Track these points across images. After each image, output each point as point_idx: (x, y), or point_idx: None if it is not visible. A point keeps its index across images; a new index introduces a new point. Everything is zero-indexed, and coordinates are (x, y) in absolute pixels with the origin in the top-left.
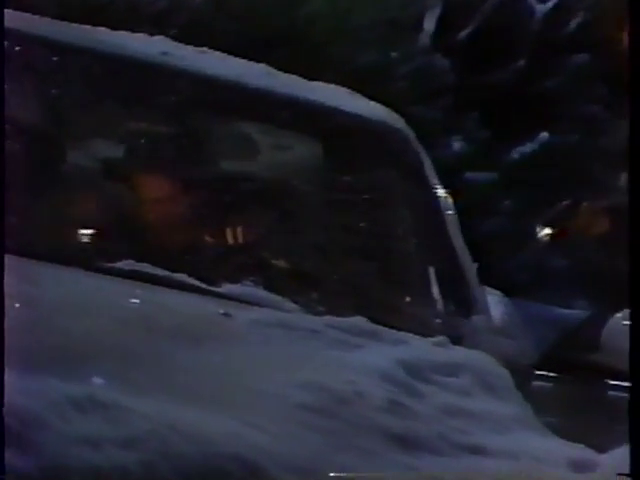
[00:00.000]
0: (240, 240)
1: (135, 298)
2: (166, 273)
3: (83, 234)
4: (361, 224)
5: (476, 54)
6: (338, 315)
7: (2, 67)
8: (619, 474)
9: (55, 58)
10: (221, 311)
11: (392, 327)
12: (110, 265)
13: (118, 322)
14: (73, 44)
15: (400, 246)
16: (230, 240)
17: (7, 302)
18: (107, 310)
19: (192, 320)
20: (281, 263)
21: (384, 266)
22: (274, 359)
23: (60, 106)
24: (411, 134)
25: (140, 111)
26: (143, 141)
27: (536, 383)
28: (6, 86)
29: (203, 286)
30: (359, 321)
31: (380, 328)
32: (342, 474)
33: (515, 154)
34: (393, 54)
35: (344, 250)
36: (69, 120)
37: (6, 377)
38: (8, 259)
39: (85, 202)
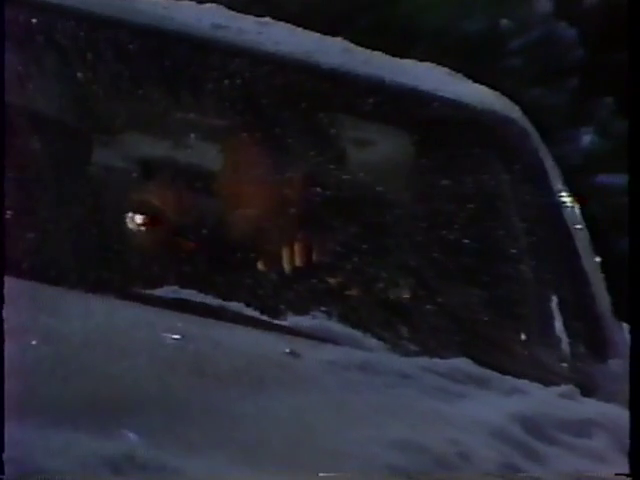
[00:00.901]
0: (310, 261)
1: (180, 334)
2: (219, 302)
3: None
4: (464, 241)
5: (612, 23)
6: (435, 356)
7: (2, 66)
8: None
9: (82, 33)
10: (287, 350)
11: (505, 372)
12: (149, 292)
13: (161, 364)
14: (104, 15)
15: (514, 269)
16: (298, 261)
17: (22, 338)
18: (147, 349)
19: (251, 361)
20: (362, 289)
21: (494, 294)
22: (355, 411)
23: (88, 94)
24: (529, 126)
25: (187, 99)
26: (192, 136)
27: None
28: (21, 69)
29: (264, 318)
30: (462, 363)
31: (489, 373)
32: (331, 474)
33: None
34: (504, 22)
35: (442, 273)
36: (98, 111)
37: (22, 431)
38: (21, 284)
39: (116, 212)
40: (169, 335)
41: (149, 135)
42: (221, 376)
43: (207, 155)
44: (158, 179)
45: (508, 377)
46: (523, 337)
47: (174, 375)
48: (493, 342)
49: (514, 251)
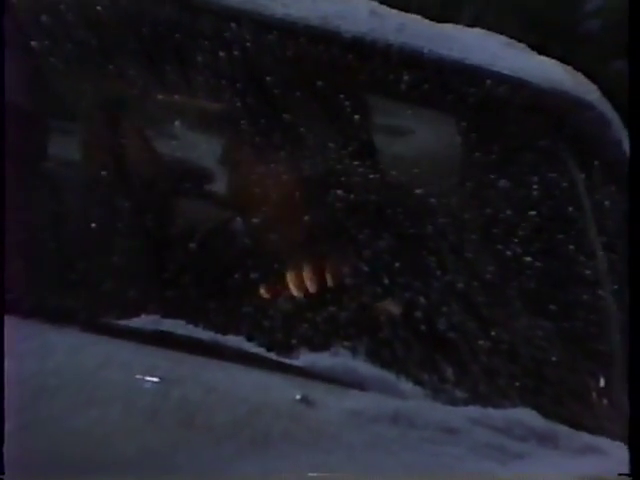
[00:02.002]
0: (329, 283)
1: (163, 376)
2: (212, 336)
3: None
4: (526, 258)
5: None
6: (489, 405)
7: (2, 64)
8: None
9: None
10: (298, 396)
11: (576, 426)
12: (123, 323)
13: (138, 414)
14: None
15: (590, 294)
16: (313, 283)
17: None
18: (120, 395)
19: (254, 411)
20: (395, 319)
21: (564, 326)
22: (385, 474)
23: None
24: (610, 111)
25: (170, 76)
26: (177, 124)
27: None
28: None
29: (271, 357)
30: (523, 415)
31: (557, 427)
32: (322, 474)
33: None
34: None
35: (498, 300)
36: (56, 90)
37: None
38: None
39: (80, 219)
40: (148, 377)
41: (122, 122)
42: (215, 429)
43: (196, 147)
44: (134, 177)
45: (581, 433)
46: (601, 382)
47: (155, 428)
48: (563, 388)
49: (590, 272)
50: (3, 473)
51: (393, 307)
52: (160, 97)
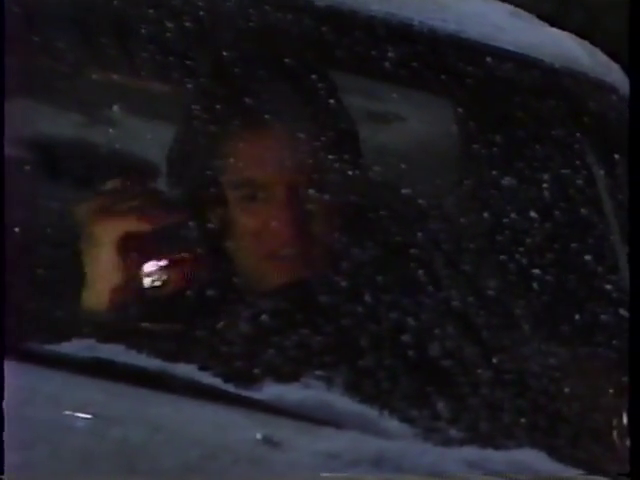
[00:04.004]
0: (300, 300)
1: (97, 412)
2: (158, 364)
3: None
4: (534, 271)
5: None
6: (489, 446)
7: (2, 63)
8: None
9: None
10: (260, 436)
11: (593, 471)
12: (51, 349)
13: (67, 456)
14: None
15: (611, 314)
16: (280, 300)
17: None
18: (45, 434)
19: (208, 453)
20: (378, 344)
21: (580, 352)
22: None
23: None
24: None
25: (107, 50)
26: (116, 108)
27: None
28: None
29: (228, 389)
30: (530, 457)
31: (569, 471)
32: (334, 474)
33: None
34: None
35: (502, 321)
36: None
37: None
38: None
39: None
40: (80, 414)
41: (48, 105)
42: (162, 475)
43: (139, 137)
44: (65, 173)
45: (599, 478)
46: (624, 419)
47: (88, 473)
48: (578, 426)
49: (611, 287)
50: (3, 473)
51: (377, 330)
52: (95, 76)
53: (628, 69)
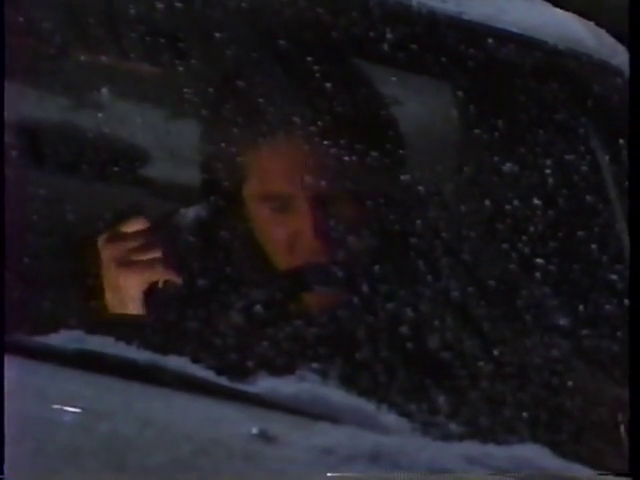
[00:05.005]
0: (295, 290)
1: (85, 406)
2: (149, 357)
3: None
4: (537, 260)
5: None
6: (491, 441)
7: (3, 64)
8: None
9: None
10: (255, 431)
11: (597, 466)
12: (38, 341)
13: (54, 451)
14: None
15: (617, 305)
16: (274, 290)
17: None
18: (32, 428)
19: (201, 448)
20: (375, 336)
21: (584, 345)
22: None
23: None
24: None
25: (92, 31)
26: (104, 91)
27: None
28: None
29: (222, 382)
30: (531, 453)
31: (573, 468)
32: (341, 474)
33: None
34: None
35: (503, 312)
36: None
37: None
38: None
39: None
40: (68, 408)
41: (34, 88)
42: (152, 473)
43: (128, 122)
44: (51, 158)
45: (604, 475)
46: (620, 415)
47: (75, 469)
48: (581, 420)
49: (616, 277)
50: (3, 473)
51: (374, 321)
52: (83, 58)
53: (630, 69)
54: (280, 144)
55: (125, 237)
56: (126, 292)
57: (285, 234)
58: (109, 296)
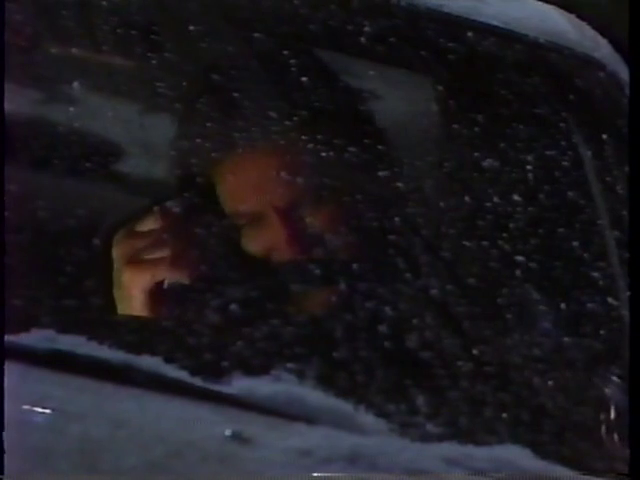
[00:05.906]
0: (268, 288)
1: (56, 406)
2: (121, 357)
3: None
4: (518, 258)
5: None
6: (470, 442)
7: (2, 67)
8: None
9: None
10: (229, 432)
11: (580, 468)
12: (9, 340)
13: (27, 455)
14: None
15: (600, 303)
16: (249, 286)
17: None
18: (4, 432)
19: (173, 450)
20: (352, 334)
21: (566, 342)
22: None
23: None
24: (624, 72)
25: (66, 22)
26: (76, 85)
27: None
28: None
29: (195, 383)
30: (512, 454)
31: (555, 470)
32: (327, 474)
33: None
34: None
35: (483, 310)
36: None
37: None
38: None
39: None
40: (39, 409)
41: (4, 80)
42: (126, 474)
43: (100, 116)
44: (22, 153)
45: (586, 476)
46: (612, 413)
47: (46, 471)
48: (563, 421)
49: (599, 275)
50: (3, 473)
51: (352, 319)
52: (54, 50)
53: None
54: (248, 153)
55: (138, 235)
56: (129, 290)
57: (260, 247)
58: (117, 294)
